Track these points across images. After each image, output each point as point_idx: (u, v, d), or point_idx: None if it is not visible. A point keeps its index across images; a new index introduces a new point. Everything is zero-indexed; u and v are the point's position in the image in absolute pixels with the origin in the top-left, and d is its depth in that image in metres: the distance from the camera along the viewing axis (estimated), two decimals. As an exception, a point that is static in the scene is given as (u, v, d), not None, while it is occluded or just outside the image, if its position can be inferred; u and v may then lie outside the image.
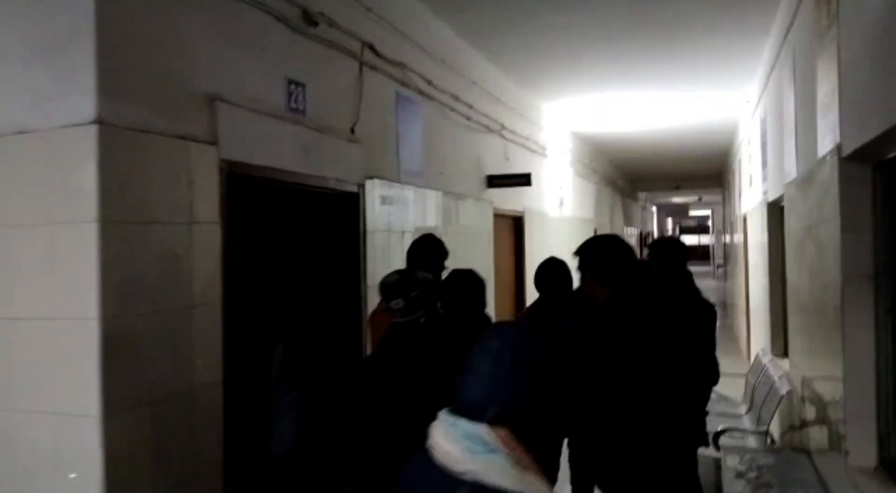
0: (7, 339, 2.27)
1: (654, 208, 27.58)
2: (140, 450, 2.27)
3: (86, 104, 2.13)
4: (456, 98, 5.31)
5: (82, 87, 2.13)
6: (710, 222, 29.21)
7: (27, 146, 2.23)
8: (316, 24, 3.36)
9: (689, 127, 10.33)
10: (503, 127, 6.53)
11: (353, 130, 3.73)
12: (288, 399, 3.37)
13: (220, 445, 2.64)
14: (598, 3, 4.76)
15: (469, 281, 3.15)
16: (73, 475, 2.15)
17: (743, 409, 5.52)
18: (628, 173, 17.14)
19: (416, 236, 3.58)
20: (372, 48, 3.94)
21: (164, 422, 2.37)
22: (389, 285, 2.31)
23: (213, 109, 2.64)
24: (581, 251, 2.63)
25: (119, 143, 2.20)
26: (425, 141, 4.73)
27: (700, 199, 22.12)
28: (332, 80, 3.58)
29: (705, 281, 25.81)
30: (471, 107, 5.64)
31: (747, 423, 5.12)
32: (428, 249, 3.41)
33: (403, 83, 4.39)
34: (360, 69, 3.84)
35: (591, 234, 11.17)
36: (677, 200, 23.55)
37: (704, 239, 42.27)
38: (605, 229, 12.82)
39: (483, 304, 3.23)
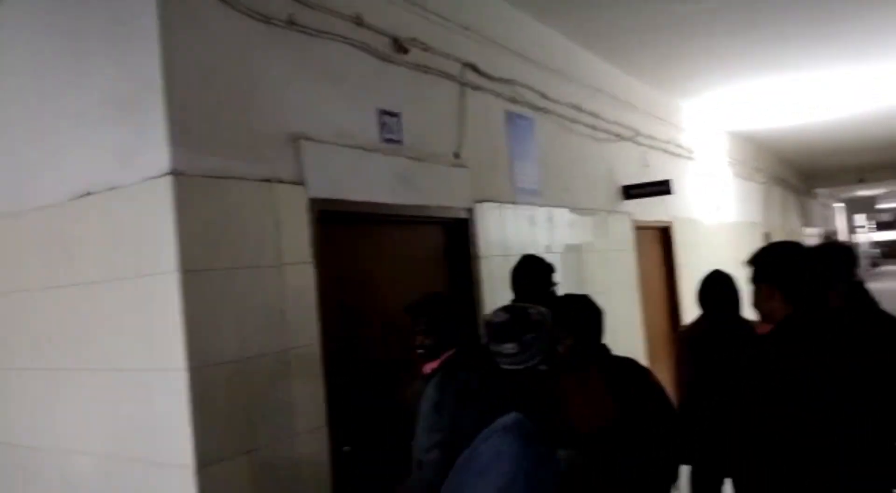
0: (120, 389, 2.35)
1: (839, 205, 24.75)
2: (238, 498, 2.24)
3: (160, 157, 2.17)
4: (577, 108, 5.01)
5: (155, 140, 2.18)
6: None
7: (119, 201, 2.32)
8: (407, 51, 3.27)
9: (868, 112, 9.11)
10: (637, 133, 6.09)
11: (457, 155, 3.59)
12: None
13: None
14: None
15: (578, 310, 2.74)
16: None
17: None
18: (801, 169, 15.51)
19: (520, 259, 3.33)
20: (473, 68, 3.80)
21: (264, 471, 2.32)
22: (497, 325, 2.01)
23: (297, 148, 2.62)
24: (758, 258, 2.23)
25: (196, 191, 2.22)
26: (542, 158, 4.48)
27: (891, 191, 19.50)
28: (431, 105, 3.47)
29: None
30: (596, 116, 5.30)
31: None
32: (526, 269, 3.16)
33: (513, 100, 4.20)
34: (462, 91, 3.70)
35: (759, 240, 10.17)
36: (864, 193, 20.94)
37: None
38: (778, 233, 11.61)
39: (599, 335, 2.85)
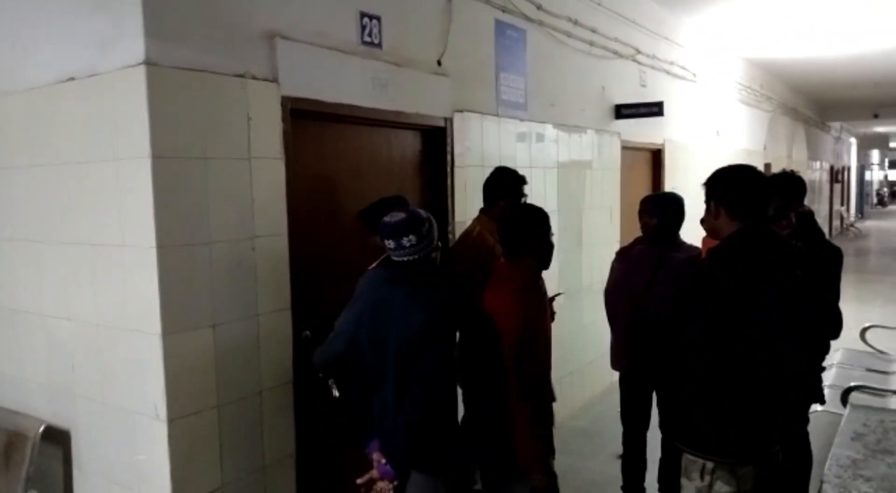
0: (92, 262, 2.57)
1: (854, 140, 24.35)
2: (202, 365, 2.49)
3: (136, 47, 2.28)
4: (574, 22, 4.98)
5: (132, 30, 2.28)
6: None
7: (98, 87, 2.45)
8: (394, -49, 3.28)
9: (889, 46, 8.88)
10: (637, 51, 6.05)
11: (439, 63, 3.65)
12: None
13: (289, 367, 2.83)
14: None
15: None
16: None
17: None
18: (815, 100, 15.22)
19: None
20: (464, -26, 3.79)
21: (227, 343, 2.57)
22: (396, 223, 2.28)
23: (272, 45, 2.70)
24: (710, 178, 2.41)
25: (169, 82, 2.34)
26: (532, 71, 4.51)
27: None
28: (415, 9, 3.50)
29: (914, 223, 22.63)
30: (594, 31, 5.27)
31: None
32: (498, 180, 3.31)
33: (504, 9, 4.19)
34: (450, -3, 3.72)
35: (759, 168, 10.16)
36: (880, 130, 20.57)
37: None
38: (781, 163, 11.59)
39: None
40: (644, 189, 6.72)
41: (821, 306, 2.56)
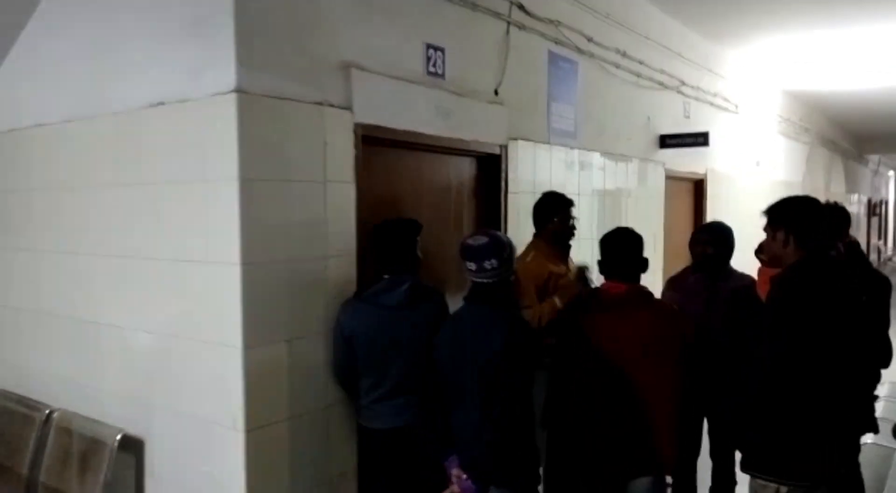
0: (175, 277, 2.71)
1: (892, 173, 23.99)
2: (277, 378, 2.60)
3: (227, 75, 2.43)
4: (623, 54, 5.10)
5: (224, 59, 2.44)
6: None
7: (188, 112, 2.61)
8: (458, -12, 3.43)
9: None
10: (682, 83, 6.14)
11: (496, 92, 3.78)
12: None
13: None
14: None
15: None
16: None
17: (949, 402, 4.80)
18: (853, 133, 15.10)
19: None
20: (520, 6, 3.93)
21: (300, 358, 2.68)
22: (479, 246, 2.39)
23: (347, 75, 2.85)
24: (776, 206, 2.50)
25: (257, 109, 2.48)
26: (582, 101, 4.63)
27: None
28: (475, 42, 3.64)
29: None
30: (641, 63, 5.38)
31: (950, 418, 4.44)
32: (547, 204, 3.41)
33: (557, 41, 4.32)
34: (507, 30, 3.85)
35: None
36: (920, 162, 20.28)
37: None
38: (819, 195, 11.39)
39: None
40: (686, 218, 6.76)
41: (876, 334, 2.61)
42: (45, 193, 3.38)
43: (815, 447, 2.30)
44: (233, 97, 2.42)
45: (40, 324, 3.41)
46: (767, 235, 2.50)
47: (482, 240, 2.38)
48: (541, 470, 2.42)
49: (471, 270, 2.37)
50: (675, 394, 2.55)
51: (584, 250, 3.92)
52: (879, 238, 21.67)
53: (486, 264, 2.33)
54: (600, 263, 2.69)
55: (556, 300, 3.10)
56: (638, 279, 2.68)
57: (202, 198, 2.57)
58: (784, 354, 2.28)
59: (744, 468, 2.46)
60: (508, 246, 2.41)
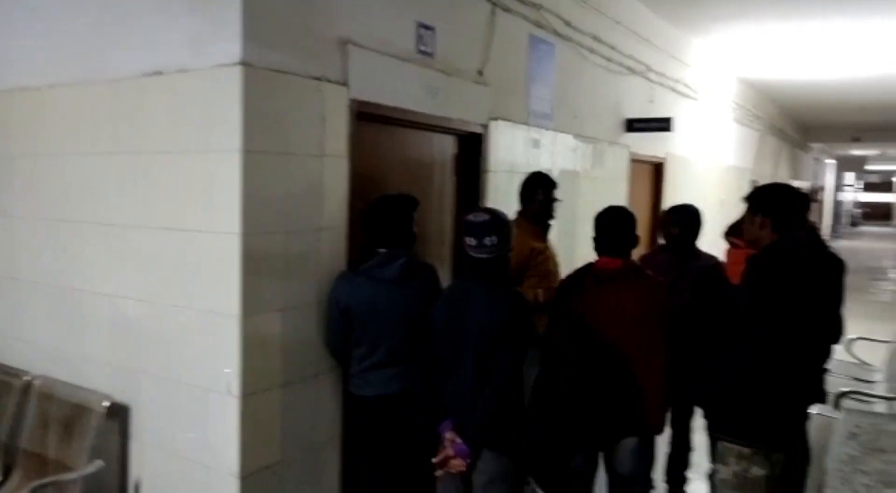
0: (172, 246, 2.73)
1: (831, 161, 25.06)
2: (271, 346, 2.67)
3: (233, 48, 2.45)
4: (596, 39, 5.22)
5: (230, 33, 2.45)
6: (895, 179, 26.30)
7: (188, 83, 2.61)
8: (449, -33, 3.48)
9: (871, 73, 9.30)
10: (648, 68, 6.31)
11: (480, 73, 3.86)
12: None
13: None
14: None
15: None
16: (227, 370, 2.57)
17: (880, 376, 5.18)
18: (799, 121, 15.72)
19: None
20: (506, -11, 4.00)
21: (292, 327, 2.75)
22: (480, 223, 2.50)
23: (344, 51, 2.89)
24: (756, 194, 2.76)
25: (260, 82, 2.51)
26: (558, 84, 4.74)
27: (883, 153, 19.84)
28: (463, 22, 3.71)
29: (883, 243, 23.37)
30: (612, 48, 5.52)
31: (881, 391, 4.81)
32: (535, 182, 3.55)
33: (538, 24, 4.42)
34: (493, 11, 3.92)
35: (746, 185, 10.56)
36: (857, 152, 21.24)
37: (888, 197, 38.00)
38: (765, 180, 11.98)
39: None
40: (646, 199, 7.01)
41: (829, 311, 2.86)
42: (26, 159, 3.31)
43: (774, 416, 2.53)
44: (238, 70, 2.44)
45: (22, 292, 3.37)
46: (746, 219, 2.71)
47: (483, 217, 2.49)
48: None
49: (471, 245, 2.48)
50: (661, 361, 2.75)
51: (556, 226, 4.06)
52: (817, 223, 22.67)
53: (486, 241, 2.44)
54: (595, 239, 2.85)
55: (540, 292, 3.25)
56: (630, 255, 2.86)
57: (202, 168, 2.60)
58: (761, 329, 2.48)
59: (711, 433, 2.67)
60: (508, 224, 2.52)
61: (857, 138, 16.40)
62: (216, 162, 2.54)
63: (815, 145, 19.59)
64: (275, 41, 2.57)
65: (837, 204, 29.39)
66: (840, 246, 24.11)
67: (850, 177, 32.44)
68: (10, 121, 3.36)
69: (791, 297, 2.53)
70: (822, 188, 23.68)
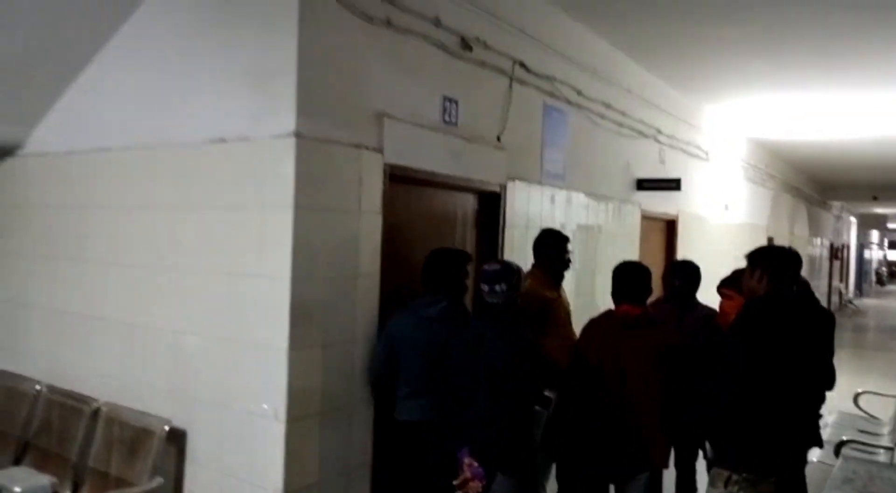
0: (228, 288, 3.16)
1: (853, 219, 25.16)
2: (313, 378, 3.05)
3: (288, 121, 2.93)
4: (607, 106, 5.70)
5: (286, 108, 2.94)
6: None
7: (246, 150, 3.10)
8: (471, 48, 3.98)
9: (883, 136, 9.68)
10: (659, 132, 6.76)
11: (499, 139, 4.32)
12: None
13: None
14: (766, 18, 4.94)
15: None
16: (265, 406, 2.96)
17: (886, 429, 5.37)
18: (817, 180, 16.03)
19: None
20: (522, 64, 4.50)
21: (331, 362, 3.14)
22: (493, 272, 2.90)
23: (380, 123, 3.37)
24: (756, 251, 3.19)
25: (310, 150, 2.98)
26: (571, 147, 5.20)
27: (904, 210, 19.98)
28: (483, 95, 4.19)
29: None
30: (623, 114, 5.98)
31: (885, 442, 5.01)
32: (547, 239, 3.95)
33: (551, 94, 4.90)
34: (510, 84, 4.41)
35: (761, 241, 10.84)
36: (879, 211, 21.38)
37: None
38: (782, 238, 12.26)
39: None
40: (659, 254, 7.36)
41: (822, 360, 3.18)
42: (101, 211, 3.81)
43: (761, 447, 2.83)
44: (292, 140, 2.92)
45: (93, 328, 3.82)
46: (746, 273, 3.09)
47: (495, 267, 2.90)
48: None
49: (485, 291, 2.88)
50: (663, 400, 3.08)
51: (568, 278, 4.43)
52: (841, 281, 22.66)
53: (497, 288, 2.84)
54: (614, 290, 3.23)
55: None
56: (645, 304, 3.23)
57: (258, 222, 3.05)
58: (744, 361, 2.82)
59: (710, 467, 2.98)
60: (517, 273, 2.92)
61: (875, 197, 16.61)
62: (271, 217, 2.99)
63: (836, 203, 19.80)
64: (322, 114, 3.05)
65: (862, 262, 29.26)
66: (864, 304, 24.00)
67: (875, 234, 32.38)
68: (89, 178, 3.88)
69: (774, 336, 2.86)
70: (844, 246, 23.70)
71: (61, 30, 3.60)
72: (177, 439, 3.33)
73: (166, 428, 3.25)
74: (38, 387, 3.86)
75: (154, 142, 3.53)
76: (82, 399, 3.63)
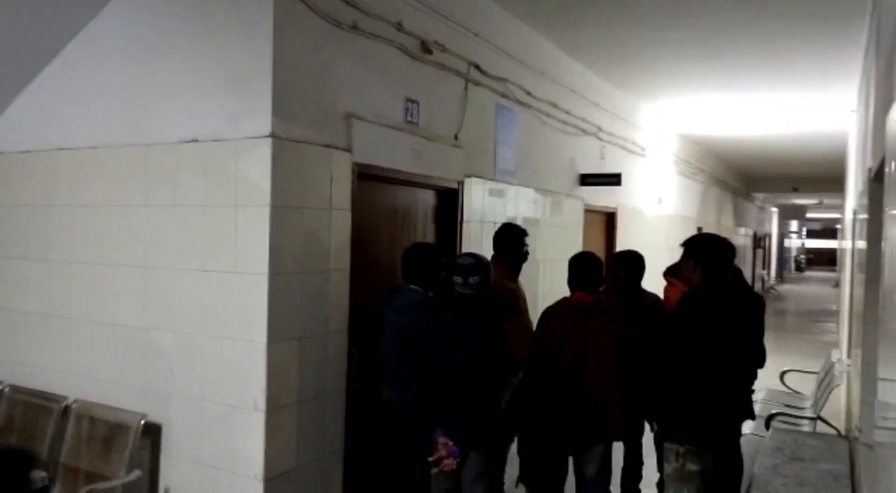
0: (206, 285, 3.25)
1: (775, 209, 26.58)
2: (290, 369, 3.18)
3: (264, 123, 3.04)
4: (553, 105, 5.97)
5: (262, 109, 3.05)
6: (838, 226, 27.91)
7: (220, 150, 3.19)
8: (431, 52, 4.16)
9: (801, 133, 10.37)
10: (599, 129, 7.10)
11: (456, 137, 4.51)
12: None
13: (343, 377, 3.54)
14: (700, 24, 5.30)
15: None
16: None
17: (808, 403, 5.87)
18: (742, 173, 16.91)
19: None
20: (477, 67, 4.70)
21: (306, 353, 3.27)
22: (467, 265, 3.12)
23: (349, 123, 3.51)
24: (690, 242, 3.46)
25: (285, 150, 3.10)
26: (521, 144, 5.44)
27: (821, 202, 21.28)
28: (442, 96, 4.37)
29: (827, 288, 24.73)
30: (568, 112, 6.27)
31: (808, 414, 5.49)
32: (507, 232, 4.17)
33: (504, 95, 5.12)
34: (466, 85, 4.61)
35: (692, 231, 11.45)
36: (799, 201, 22.69)
37: (832, 244, 40.03)
38: (710, 229, 12.93)
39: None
40: (600, 245, 7.72)
41: (754, 340, 3.52)
42: (65, 210, 3.81)
43: (702, 422, 3.14)
44: (268, 141, 3.03)
45: (61, 328, 3.82)
46: (682, 263, 3.37)
47: (469, 260, 3.10)
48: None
49: (458, 283, 3.07)
50: (617, 380, 3.34)
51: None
52: (763, 268, 23.95)
53: (471, 280, 3.04)
54: (570, 278, 3.46)
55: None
56: (598, 292, 3.48)
57: (233, 220, 3.15)
58: (686, 349, 3.11)
59: (658, 442, 3.27)
60: (487, 267, 3.13)
61: (795, 188, 17.64)
62: (246, 215, 3.10)
63: (759, 195, 20.91)
64: (295, 116, 3.17)
65: (783, 250, 30.94)
66: (785, 290, 25.46)
67: (794, 224, 34.24)
68: (53, 177, 3.87)
69: (713, 322, 3.16)
70: (767, 235, 25.04)
71: (21, 27, 3.58)
72: (152, 433, 3.40)
73: (142, 423, 3.31)
74: (-1, 387, 3.84)
75: (123, 141, 3.56)
76: (50, 397, 3.64)
